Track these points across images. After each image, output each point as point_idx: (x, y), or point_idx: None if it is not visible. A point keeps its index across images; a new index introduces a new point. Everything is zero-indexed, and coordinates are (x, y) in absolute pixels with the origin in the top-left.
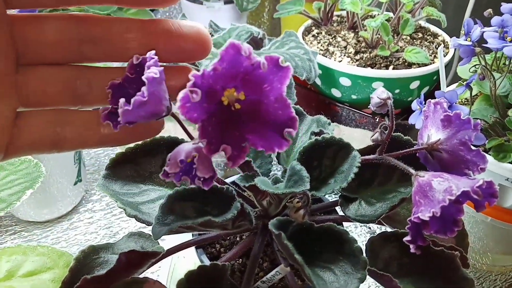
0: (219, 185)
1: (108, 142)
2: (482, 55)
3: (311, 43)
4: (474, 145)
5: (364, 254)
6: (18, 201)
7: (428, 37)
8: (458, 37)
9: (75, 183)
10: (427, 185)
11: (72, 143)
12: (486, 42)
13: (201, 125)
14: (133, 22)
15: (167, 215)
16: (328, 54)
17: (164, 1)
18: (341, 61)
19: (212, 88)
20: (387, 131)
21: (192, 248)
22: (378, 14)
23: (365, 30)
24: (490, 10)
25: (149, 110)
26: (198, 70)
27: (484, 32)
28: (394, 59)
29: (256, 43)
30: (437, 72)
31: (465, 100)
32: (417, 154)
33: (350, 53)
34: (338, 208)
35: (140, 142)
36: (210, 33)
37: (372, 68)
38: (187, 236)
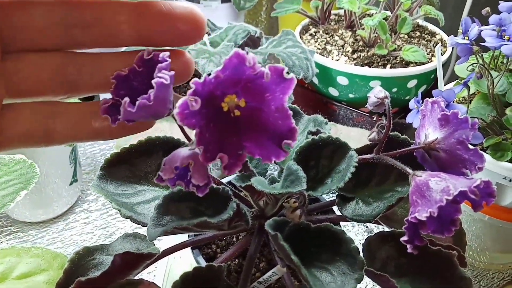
0: (215, 185)
1: (100, 136)
2: (479, 54)
3: (308, 42)
4: (471, 144)
5: (361, 254)
6: (12, 202)
7: (426, 36)
8: (456, 35)
9: (71, 183)
10: (424, 185)
11: (63, 136)
12: (484, 41)
13: (199, 131)
14: (123, 4)
15: (162, 216)
16: (325, 53)
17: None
18: (338, 60)
19: (213, 93)
20: (384, 131)
21: (189, 249)
22: (376, 13)
23: (363, 29)
24: (488, 8)
25: (152, 112)
26: (199, 77)
27: (482, 30)
28: (391, 57)
29: (253, 42)
30: (434, 71)
31: (463, 98)
32: (414, 154)
33: (348, 52)
34: (335, 208)
35: (135, 143)
36: (207, 32)
37: (369, 67)
38: (183, 237)
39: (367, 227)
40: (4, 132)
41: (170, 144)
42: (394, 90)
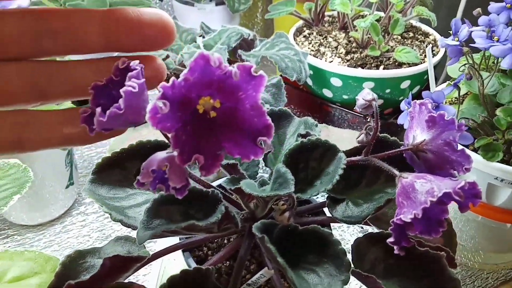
0: (205, 189)
1: (72, 142)
2: (470, 55)
3: (302, 43)
4: (462, 145)
5: (351, 256)
6: (5, 206)
7: (419, 37)
8: (449, 36)
9: (67, 187)
10: (410, 186)
11: (34, 143)
12: (475, 42)
13: (174, 134)
14: (92, 12)
15: (152, 220)
16: (319, 54)
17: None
18: (332, 61)
19: (187, 96)
20: (372, 133)
21: (180, 251)
22: (369, 14)
23: (356, 30)
24: (479, 9)
25: (126, 120)
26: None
27: (472, 31)
28: (384, 59)
29: (248, 44)
30: (427, 72)
31: (455, 99)
32: (404, 155)
33: (341, 53)
34: (326, 209)
35: (126, 146)
36: (201, 35)
37: (362, 68)
38: (176, 239)
39: (362, 227)
40: None
41: (161, 148)
42: (388, 91)
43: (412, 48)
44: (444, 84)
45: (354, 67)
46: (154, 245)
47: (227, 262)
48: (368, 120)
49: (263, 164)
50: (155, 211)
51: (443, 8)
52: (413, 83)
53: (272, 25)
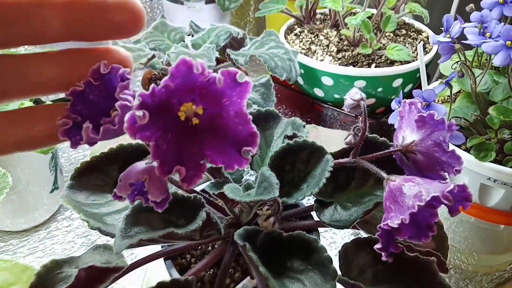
0: (187, 194)
1: (26, 147)
2: (462, 52)
3: (293, 42)
4: (454, 145)
5: (338, 261)
6: None
7: (411, 34)
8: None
9: (52, 191)
10: (397, 190)
11: None
12: (467, 38)
13: (154, 143)
14: None
15: (130, 227)
16: (310, 53)
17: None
18: (323, 60)
19: (167, 102)
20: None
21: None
22: (360, 11)
23: (347, 28)
24: (472, 5)
25: (117, 133)
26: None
27: (464, 28)
28: (376, 56)
29: (238, 43)
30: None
31: (447, 97)
32: (393, 156)
33: (332, 51)
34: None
35: (106, 150)
36: (190, 34)
37: (354, 66)
38: (160, 246)
39: (354, 230)
40: None
41: (142, 152)
42: (380, 89)
43: (405, 45)
44: (437, 82)
45: (346, 65)
46: (136, 251)
47: (211, 270)
48: (360, 119)
49: (250, 167)
50: (134, 218)
51: (438, 5)
52: (405, 81)
53: (265, 23)
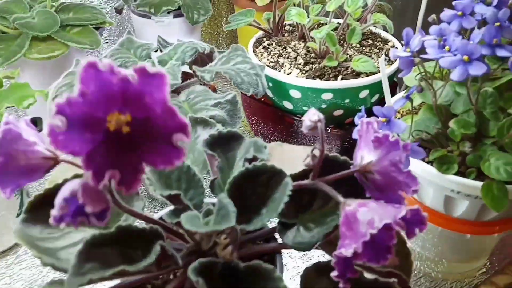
0: (142, 226)
1: None
2: (422, 65)
3: (261, 55)
4: (416, 159)
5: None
6: None
7: (378, 44)
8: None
9: (18, 215)
10: (352, 215)
11: None
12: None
13: (86, 157)
14: None
15: (83, 264)
16: (278, 66)
17: None
18: (290, 73)
19: (92, 115)
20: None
21: None
22: (326, 24)
23: (314, 40)
24: (434, 16)
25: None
26: None
27: (424, 41)
28: (343, 68)
29: (208, 57)
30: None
31: (414, 108)
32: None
33: (300, 64)
34: None
35: (60, 181)
36: (158, 50)
37: (321, 79)
38: None
39: None
40: None
41: None
42: (347, 101)
43: (371, 56)
44: (402, 93)
45: (313, 78)
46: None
47: None
48: (329, 130)
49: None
50: (86, 254)
51: (409, 11)
52: (371, 92)
53: (237, 34)
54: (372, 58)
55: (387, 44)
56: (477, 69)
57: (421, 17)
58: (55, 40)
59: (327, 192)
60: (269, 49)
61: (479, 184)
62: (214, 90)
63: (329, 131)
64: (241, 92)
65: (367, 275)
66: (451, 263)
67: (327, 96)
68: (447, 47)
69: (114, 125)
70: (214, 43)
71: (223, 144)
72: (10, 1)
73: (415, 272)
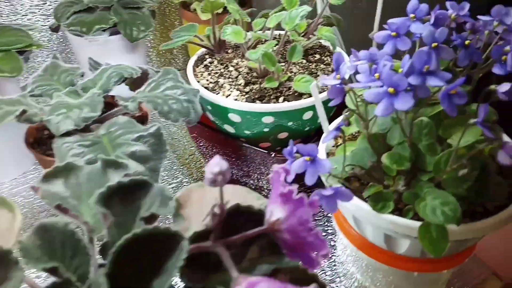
0: None
1: None
2: (353, 93)
3: (201, 75)
4: (346, 202)
5: None
6: None
7: (325, 59)
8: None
9: None
10: None
11: None
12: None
13: None
14: None
15: None
16: (217, 87)
17: None
18: (229, 95)
19: None
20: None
21: None
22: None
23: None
24: (375, 32)
25: None
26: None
27: (357, 66)
28: (285, 89)
29: (137, 82)
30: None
31: (352, 135)
32: None
33: (240, 85)
34: None
35: None
36: (84, 74)
37: (261, 100)
38: None
39: None
40: None
41: None
42: (290, 123)
43: (317, 73)
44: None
45: (253, 100)
46: None
47: None
48: (272, 155)
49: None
50: None
51: (360, 27)
52: (316, 113)
53: (188, 48)
54: (318, 76)
55: None
56: (403, 103)
57: (377, 27)
58: None
59: (223, 261)
60: (210, 68)
61: (416, 224)
62: (146, 117)
63: (272, 155)
64: None
65: None
66: None
67: (268, 119)
68: (377, 75)
69: None
70: (167, 58)
71: (126, 194)
72: None
73: None
